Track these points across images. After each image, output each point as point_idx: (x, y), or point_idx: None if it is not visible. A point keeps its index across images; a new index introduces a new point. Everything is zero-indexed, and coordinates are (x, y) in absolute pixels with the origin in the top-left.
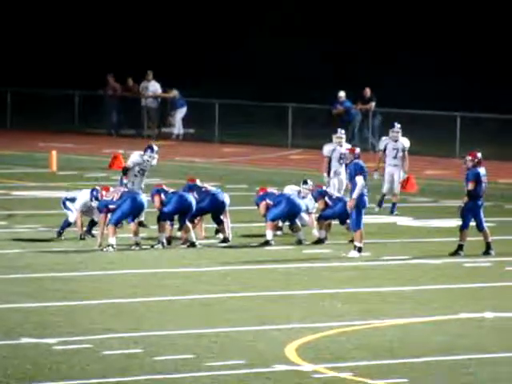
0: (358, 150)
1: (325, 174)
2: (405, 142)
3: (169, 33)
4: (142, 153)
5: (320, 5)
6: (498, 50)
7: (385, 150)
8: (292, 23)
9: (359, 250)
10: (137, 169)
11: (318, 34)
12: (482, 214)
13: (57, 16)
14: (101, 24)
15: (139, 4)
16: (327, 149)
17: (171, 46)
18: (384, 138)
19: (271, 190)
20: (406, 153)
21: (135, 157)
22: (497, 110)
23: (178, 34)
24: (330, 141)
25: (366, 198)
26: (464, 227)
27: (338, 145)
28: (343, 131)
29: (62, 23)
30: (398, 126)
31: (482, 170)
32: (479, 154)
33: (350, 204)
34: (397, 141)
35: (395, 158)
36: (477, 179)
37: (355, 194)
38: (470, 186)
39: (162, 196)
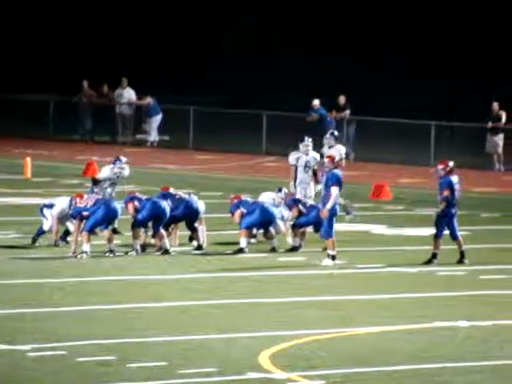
0: (337, 158)
1: (291, 183)
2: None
3: (143, 40)
4: (111, 166)
5: (295, 11)
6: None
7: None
8: (267, 30)
9: (333, 258)
10: (108, 182)
11: (294, 41)
12: (455, 223)
13: (31, 22)
14: (76, 30)
15: (113, 11)
16: (292, 157)
17: (146, 53)
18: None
19: (245, 197)
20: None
21: (106, 172)
22: (471, 118)
23: (152, 41)
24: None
25: (337, 207)
26: (438, 236)
27: (304, 153)
28: (310, 139)
29: (37, 29)
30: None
31: (454, 179)
32: (451, 163)
33: (324, 214)
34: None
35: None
36: (450, 187)
37: (329, 205)
38: (446, 193)
39: (136, 203)
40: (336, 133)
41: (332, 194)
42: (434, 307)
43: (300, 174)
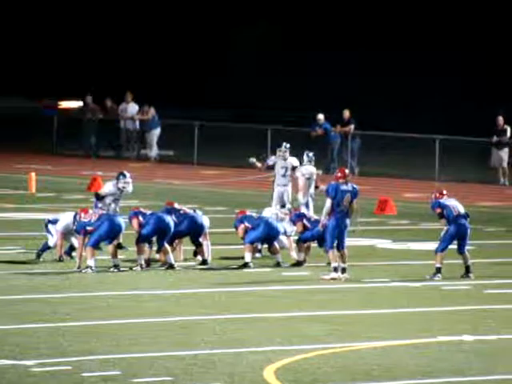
0: (346, 171)
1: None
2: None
3: (147, 54)
4: (115, 182)
5: (299, 22)
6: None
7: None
8: (271, 45)
9: (335, 269)
10: (111, 198)
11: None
12: (466, 238)
13: (36, 37)
14: (79, 43)
15: (116, 25)
16: (271, 158)
17: (149, 67)
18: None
19: (250, 212)
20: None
21: (109, 187)
22: (477, 133)
23: (156, 55)
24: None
25: (337, 221)
26: (441, 250)
27: (282, 158)
28: (288, 145)
29: (41, 44)
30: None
31: (445, 201)
32: (444, 191)
33: (320, 224)
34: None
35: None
36: (441, 207)
37: (322, 216)
38: (438, 210)
39: (140, 218)
40: (310, 154)
41: (326, 204)
42: (438, 321)
43: (277, 177)
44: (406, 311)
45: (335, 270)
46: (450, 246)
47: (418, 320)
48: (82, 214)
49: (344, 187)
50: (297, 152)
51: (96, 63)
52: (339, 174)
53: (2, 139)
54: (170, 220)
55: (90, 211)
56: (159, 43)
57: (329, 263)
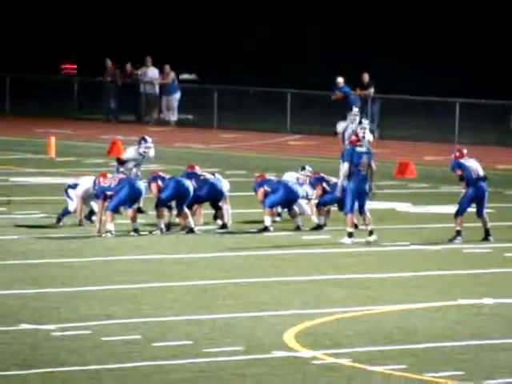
0: (360, 134)
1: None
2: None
3: (167, 18)
4: (137, 147)
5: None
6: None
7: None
8: (289, 11)
9: (349, 235)
10: (133, 163)
11: (315, 19)
12: (484, 201)
13: (55, 4)
14: (99, 10)
15: None
16: (341, 125)
17: (170, 32)
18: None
19: (269, 176)
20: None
21: (131, 152)
22: (495, 95)
23: (176, 20)
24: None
25: (358, 185)
26: (460, 213)
27: (351, 122)
28: (357, 109)
29: (61, 11)
30: (355, 109)
31: (465, 161)
32: (464, 150)
33: (338, 190)
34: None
35: None
36: (460, 167)
37: (339, 180)
38: (459, 172)
39: (159, 183)
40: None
41: (342, 169)
42: (458, 285)
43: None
44: (425, 274)
45: (349, 235)
46: (469, 210)
47: (437, 283)
48: (102, 179)
49: (359, 149)
50: (320, 115)
51: (116, 27)
52: (354, 138)
53: (23, 104)
54: (190, 184)
55: (110, 176)
56: (180, 8)
57: (356, 226)
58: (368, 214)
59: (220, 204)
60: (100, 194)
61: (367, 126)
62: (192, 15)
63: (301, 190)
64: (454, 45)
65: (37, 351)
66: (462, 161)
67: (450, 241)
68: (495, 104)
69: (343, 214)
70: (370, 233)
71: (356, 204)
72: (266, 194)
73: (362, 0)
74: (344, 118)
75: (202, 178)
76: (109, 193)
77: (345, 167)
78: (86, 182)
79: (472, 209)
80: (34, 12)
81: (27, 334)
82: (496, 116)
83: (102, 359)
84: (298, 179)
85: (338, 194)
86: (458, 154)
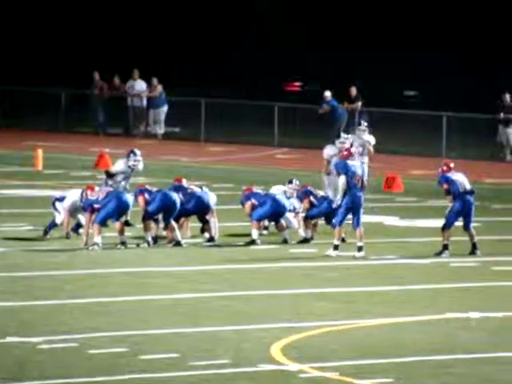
0: (352, 149)
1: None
2: (370, 139)
3: (155, 31)
4: (125, 160)
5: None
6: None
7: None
8: (278, 24)
9: (335, 247)
10: (121, 176)
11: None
12: (471, 215)
13: (43, 15)
14: (86, 22)
15: (124, 2)
16: (328, 152)
17: (157, 45)
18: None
19: (257, 189)
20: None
21: (120, 165)
22: (483, 109)
23: (164, 32)
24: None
25: (348, 198)
26: (447, 227)
27: (359, 137)
28: (366, 123)
29: (49, 22)
30: (364, 123)
31: (452, 175)
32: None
33: (335, 203)
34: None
35: (361, 155)
36: (447, 182)
37: (339, 195)
38: (445, 186)
39: (146, 196)
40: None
41: (339, 182)
42: (445, 298)
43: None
44: (413, 288)
45: (335, 247)
46: (456, 223)
47: (425, 297)
48: (89, 192)
49: (352, 163)
50: (307, 128)
51: (103, 40)
52: (345, 152)
53: (10, 116)
54: (176, 197)
55: (97, 189)
56: (167, 22)
57: (343, 240)
58: (361, 229)
59: (207, 217)
60: (87, 206)
61: (366, 129)
62: (179, 29)
63: (288, 204)
64: (441, 58)
65: (23, 364)
66: (448, 175)
67: (437, 255)
68: (483, 118)
69: (331, 227)
70: (360, 248)
71: (350, 217)
72: (253, 207)
73: (349, 11)
74: (332, 138)
75: (189, 191)
76: (96, 206)
77: (343, 180)
78: (73, 195)
79: (459, 222)
80: (22, 25)
81: (14, 346)
82: (483, 130)
83: (89, 372)
84: (285, 192)
85: (334, 205)
86: (445, 167)
